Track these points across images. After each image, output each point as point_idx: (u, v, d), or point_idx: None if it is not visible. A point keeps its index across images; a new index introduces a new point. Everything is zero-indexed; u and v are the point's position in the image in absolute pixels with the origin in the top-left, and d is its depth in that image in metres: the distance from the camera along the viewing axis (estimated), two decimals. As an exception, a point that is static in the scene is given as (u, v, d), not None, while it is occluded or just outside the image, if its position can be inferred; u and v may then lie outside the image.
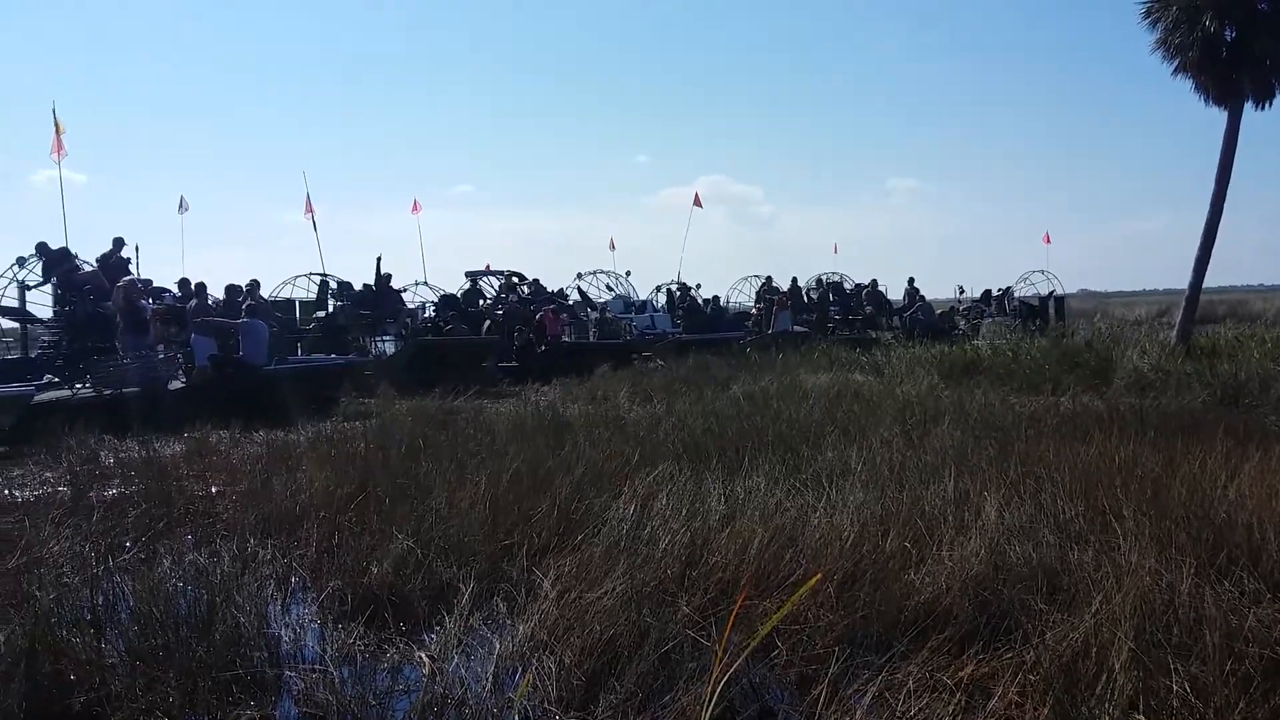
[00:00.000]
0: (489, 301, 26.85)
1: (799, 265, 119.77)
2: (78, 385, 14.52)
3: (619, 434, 9.54)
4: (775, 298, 28.95)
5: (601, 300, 31.06)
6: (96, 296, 16.69)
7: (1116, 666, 3.70)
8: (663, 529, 5.62)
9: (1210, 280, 20.42)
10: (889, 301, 33.15)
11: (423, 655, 4.45)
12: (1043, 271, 34.23)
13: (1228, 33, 18.53)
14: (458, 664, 4.30)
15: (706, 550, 5.37)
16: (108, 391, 13.82)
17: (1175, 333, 19.43)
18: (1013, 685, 3.88)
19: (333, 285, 24.47)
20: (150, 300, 16.78)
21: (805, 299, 32.40)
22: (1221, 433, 7.78)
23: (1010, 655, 4.14)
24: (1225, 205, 19.25)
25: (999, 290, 31.74)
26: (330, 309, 23.53)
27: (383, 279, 23.34)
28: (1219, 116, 19.30)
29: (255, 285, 19.93)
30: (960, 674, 4.02)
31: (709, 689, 2.63)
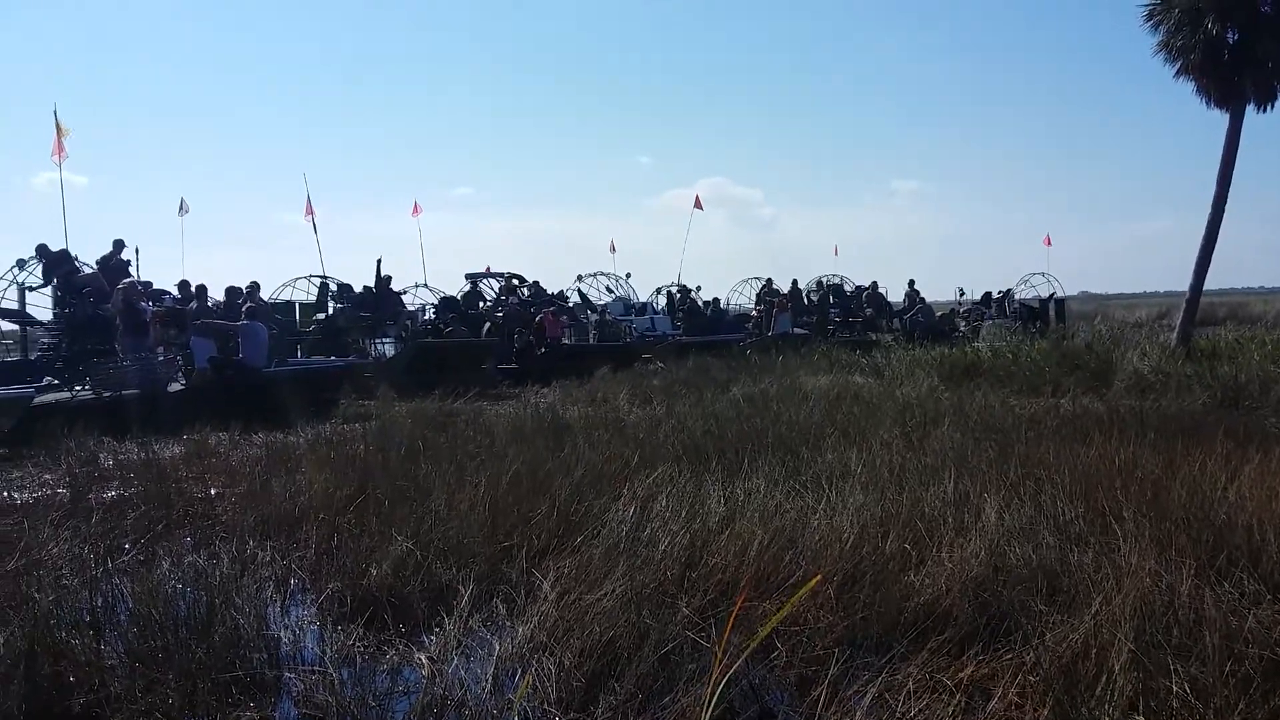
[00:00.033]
0: (489, 304, 26.87)
1: (799, 267, 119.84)
2: (77, 387, 14.53)
3: (619, 436, 9.54)
4: (775, 300, 28.96)
5: (602, 302, 31.07)
6: (96, 299, 16.70)
7: (1116, 668, 3.70)
8: (662, 531, 5.62)
9: (1211, 282, 20.45)
10: (889, 303, 33.15)
11: (422, 657, 4.44)
12: (1043, 274, 34.26)
13: (1230, 35, 18.55)
14: (457, 665, 4.30)
15: (706, 552, 5.37)
16: (107, 394, 13.81)
17: (1175, 335, 19.43)
18: (1013, 686, 3.87)
19: (333, 287, 24.49)
20: (150, 302, 16.79)
21: (805, 301, 32.40)
22: (1221, 435, 7.78)
23: (1010, 656, 4.13)
24: (1226, 207, 19.28)
25: (999, 292, 31.74)
26: (330, 311, 23.55)
27: (383, 281, 23.35)
28: (1220, 119, 19.35)
29: (255, 287, 19.96)
30: (960, 675, 4.02)
31: (709, 690, 2.63)
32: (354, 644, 4.74)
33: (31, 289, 18.06)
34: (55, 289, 17.54)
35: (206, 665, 4.19)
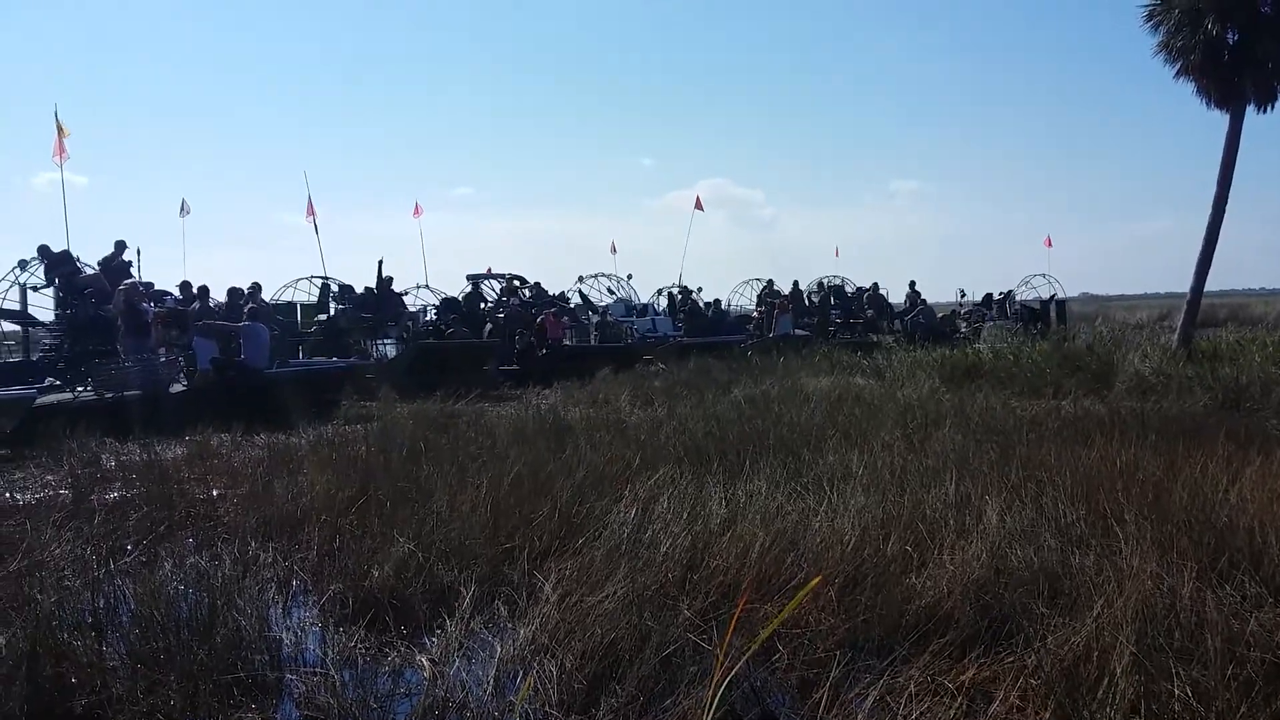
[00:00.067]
0: (490, 305, 26.87)
1: (800, 268, 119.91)
2: (79, 388, 14.56)
3: (620, 437, 9.54)
4: (776, 301, 28.95)
5: (603, 303, 31.06)
6: (98, 299, 16.71)
7: (1118, 671, 3.70)
8: (664, 532, 5.62)
9: (1211, 284, 20.46)
10: (890, 305, 33.13)
11: (424, 659, 4.45)
12: (1044, 275, 34.26)
13: (1230, 36, 18.55)
14: (459, 667, 4.30)
15: (707, 554, 5.37)
16: (109, 394, 13.83)
17: (1176, 336, 19.43)
18: (1014, 689, 3.87)
19: (334, 288, 24.50)
20: (151, 303, 16.80)
21: (806, 302, 32.41)
22: (1223, 437, 7.78)
23: (1012, 659, 4.13)
24: (1227, 208, 19.27)
25: (1000, 294, 31.73)
26: (331, 312, 23.56)
27: (384, 282, 23.36)
28: (1221, 119, 19.36)
29: (256, 288, 19.97)
30: (962, 678, 4.02)
31: (710, 693, 2.64)
32: (356, 646, 4.75)
33: (36, 288, 18.07)
34: (57, 290, 17.55)
35: (208, 667, 4.20)
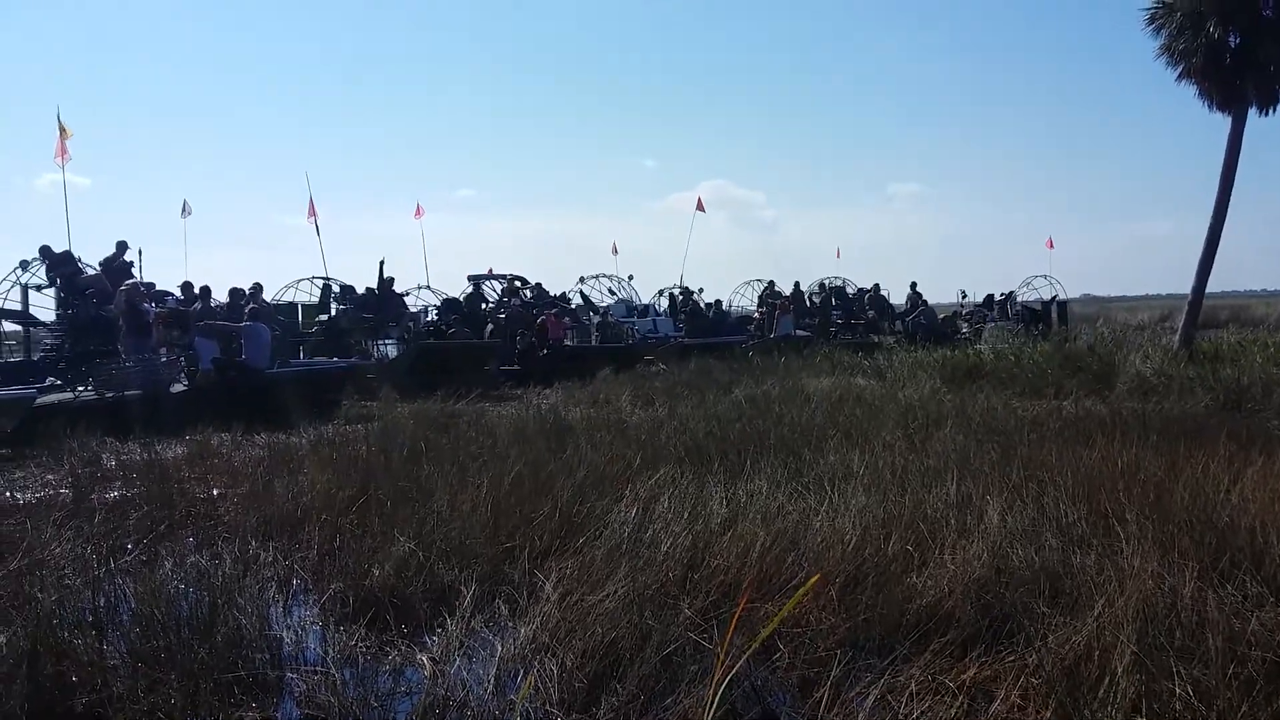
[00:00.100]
0: (491, 305, 26.88)
1: (801, 269, 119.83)
2: (80, 388, 14.56)
3: (621, 437, 9.54)
4: (778, 302, 28.96)
5: (604, 304, 31.07)
6: (99, 300, 16.72)
7: (1119, 670, 3.69)
8: (664, 532, 5.62)
9: (1213, 285, 20.48)
10: (891, 306, 33.14)
11: (424, 657, 4.44)
12: (1045, 276, 34.23)
13: (1231, 39, 18.56)
14: (459, 666, 4.30)
15: (708, 553, 5.37)
16: (110, 394, 13.84)
17: (1178, 337, 19.42)
18: (1015, 688, 3.87)
19: (335, 289, 24.51)
20: (153, 304, 16.81)
21: (807, 303, 32.42)
22: (1224, 437, 7.77)
23: (1013, 658, 4.13)
24: (1228, 210, 19.29)
25: (1001, 294, 31.73)
26: (333, 312, 23.56)
27: (385, 282, 23.37)
28: (1223, 122, 19.37)
29: (258, 289, 19.97)
30: (963, 677, 4.02)
31: (711, 691, 2.64)
32: (356, 644, 4.75)
33: (40, 288, 18.08)
34: (58, 290, 17.56)
35: (209, 665, 4.20)
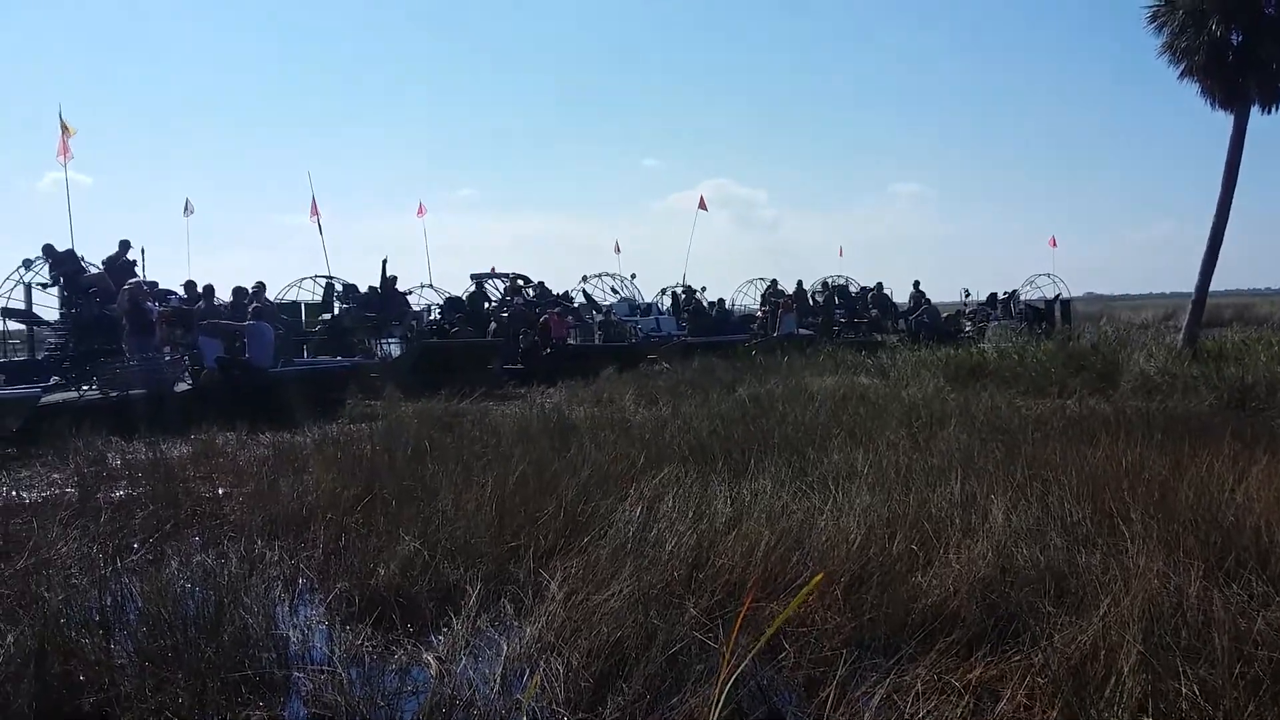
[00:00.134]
0: (494, 304, 26.88)
1: (804, 268, 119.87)
2: (84, 387, 14.56)
3: (625, 436, 9.54)
4: (781, 301, 28.93)
5: (607, 303, 31.08)
6: (102, 299, 16.73)
7: (1125, 669, 3.70)
8: (669, 531, 5.62)
9: (1217, 284, 20.46)
10: (894, 305, 33.15)
11: (430, 657, 4.45)
12: (1048, 274, 34.31)
13: (1234, 37, 18.54)
14: (465, 665, 4.30)
15: (713, 552, 5.37)
16: (114, 393, 13.86)
17: (1182, 336, 19.41)
18: (1021, 688, 3.87)
19: (338, 288, 24.50)
20: (156, 303, 16.82)
21: (810, 302, 32.42)
22: (1229, 436, 7.77)
23: (1019, 658, 4.13)
24: (1232, 209, 19.27)
25: (1005, 293, 31.77)
26: (336, 311, 23.57)
27: (388, 281, 23.38)
28: (1225, 120, 19.34)
29: (261, 288, 19.98)
30: (968, 676, 4.02)
31: (716, 691, 2.64)
32: (362, 644, 4.75)
33: (45, 287, 18.09)
34: (62, 289, 17.57)
35: (215, 664, 4.20)
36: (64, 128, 19.61)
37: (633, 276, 33.55)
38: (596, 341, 25.46)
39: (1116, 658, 3.82)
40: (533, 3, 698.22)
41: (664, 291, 34.31)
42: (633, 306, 30.93)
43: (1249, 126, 19.05)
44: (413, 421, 11.75)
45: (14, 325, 19.50)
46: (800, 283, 32.64)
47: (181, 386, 14.85)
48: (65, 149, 19.56)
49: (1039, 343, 19.85)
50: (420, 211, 31.42)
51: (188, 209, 25.35)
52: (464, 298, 26.69)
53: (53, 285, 17.86)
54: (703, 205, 36.29)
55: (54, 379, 15.48)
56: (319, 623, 5.07)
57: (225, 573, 5.08)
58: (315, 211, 25.22)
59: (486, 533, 6.03)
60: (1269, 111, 18.89)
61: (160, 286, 18.91)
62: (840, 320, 31.61)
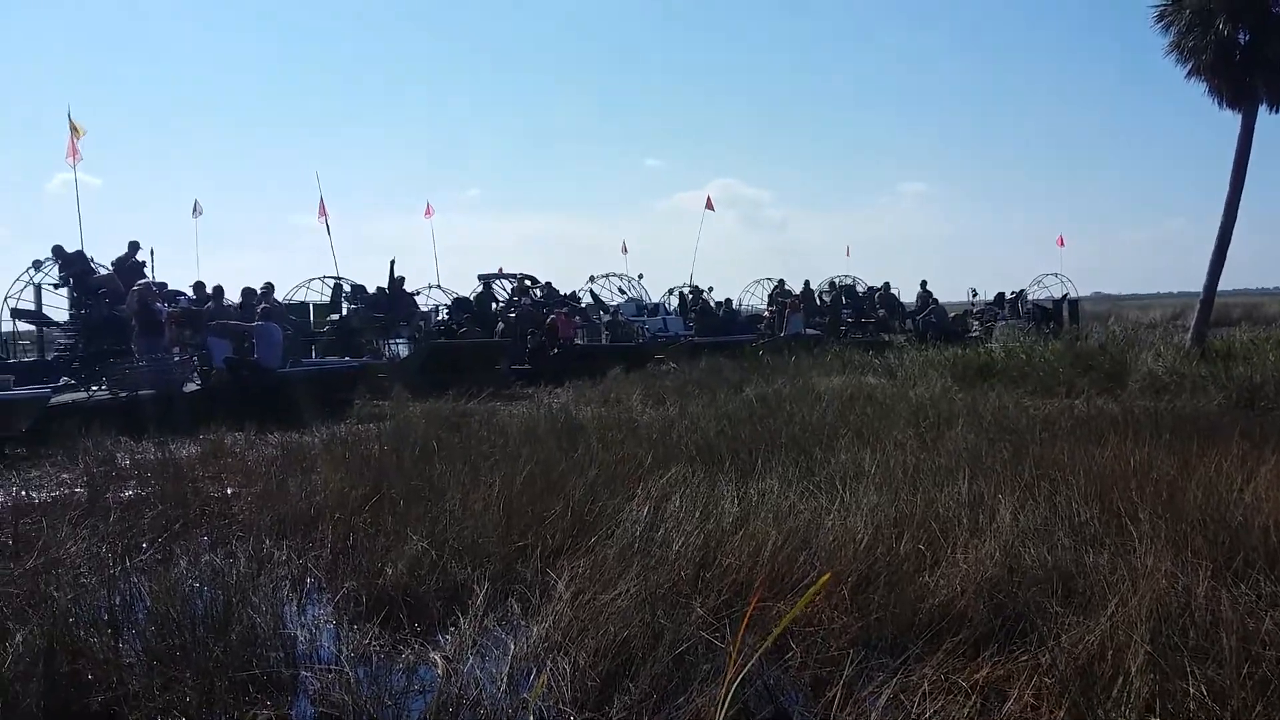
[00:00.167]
0: (502, 304, 26.89)
1: (811, 268, 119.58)
2: (94, 387, 14.61)
3: (632, 436, 9.55)
4: (788, 300, 28.94)
5: (614, 303, 31.06)
6: (112, 300, 16.79)
7: (1133, 669, 3.69)
8: (676, 531, 5.62)
9: (1225, 283, 20.38)
10: (902, 304, 33.10)
11: (437, 656, 4.45)
12: (1056, 274, 34.21)
13: (1241, 36, 18.49)
14: (472, 665, 4.31)
15: (720, 552, 5.37)
16: (123, 394, 13.90)
17: (1190, 335, 19.35)
18: (1028, 688, 3.86)
19: (346, 288, 24.54)
20: (165, 303, 16.87)
21: (818, 302, 32.37)
22: (1237, 435, 7.74)
23: (1026, 658, 4.12)
24: (1240, 208, 19.20)
25: (1012, 293, 31.70)
26: (344, 312, 23.61)
27: (396, 282, 23.38)
28: (1233, 119, 19.27)
29: (269, 288, 20.02)
30: (976, 676, 4.01)
31: (723, 690, 2.64)
32: (370, 643, 4.76)
33: (56, 286, 18.15)
34: (71, 290, 17.64)
35: (224, 663, 4.22)
36: (73, 129, 19.68)
37: (640, 277, 33.51)
38: (604, 342, 25.45)
39: (1124, 658, 3.81)
40: (540, 3, 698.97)
41: (671, 291, 34.27)
42: (640, 306, 30.89)
43: (1257, 125, 18.99)
44: (420, 421, 11.76)
45: (24, 326, 19.59)
46: (807, 283, 32.62)
47: (190, 387, 14.88)
48: (74, 150, 19.62)
49: (1047, 342, 19.81)
50: (428, 212, 31.44)
51: (196, 210, 25.36)
52: (472, 298, 26.68)
53: (62, 286, 17.95)
54: (710, 205, 36.29)
55: (63, 379, 15.53)
56: (327, 622, 5.09)
57: (233, 572, 5.09)
58: (323, 212, 25.26)
59: (494, 532, 6.04)
60: (1277, 110, 18.83)
61: (169, 287, 18.97)
62: (847, 320, 31.57)
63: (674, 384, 16.18)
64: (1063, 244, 37.74)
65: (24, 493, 8.80)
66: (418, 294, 26.10)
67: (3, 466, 10.67)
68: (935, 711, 3.72)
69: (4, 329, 19.50)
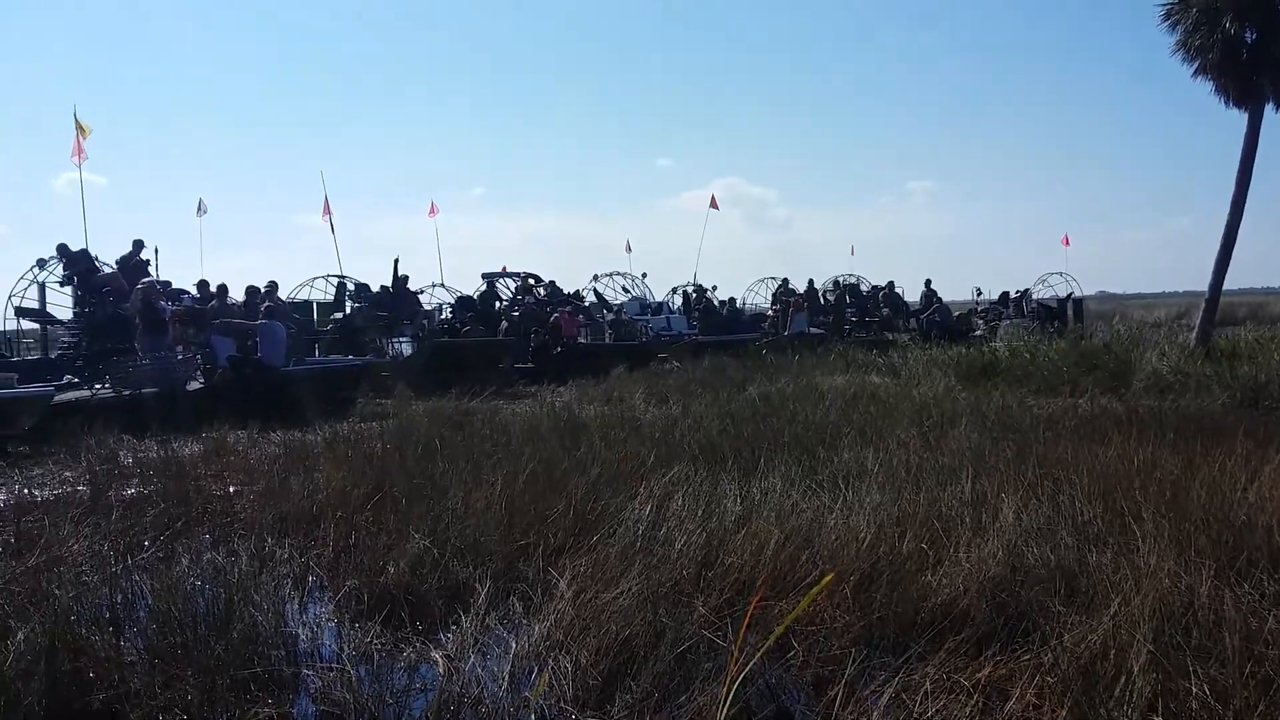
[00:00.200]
0: (505, 303, 26.90)
1: (815, 267, 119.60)
2: (97, 386, 14.63)
3: (635, 435, 9.54)
4: (791, 299, 28.92)
5: (617, 302, 31.07)
6: (116, 298, 16.81)
7: (1135, 669, 3.68)
8: (678, 530, 5.62)
9: (1230, 282, 20.33)
10: (906, 303, 33.06)
11: (439, 654, 4.45)
12: (1061, 273, 34.12)
13: (1248, 34, 18.43)
14: (474, 663, 4.31)
15: (722, 551, 5.36)
16: (126, 392, 13.91)
17: (1195, 335, 19.30)
18: (1031, 687, 3.86)
19: (350, 287, 24.58)
20: (169, 302, 16.89)
21: (821, 301, 32.33)
22: (1241, 435, 7.72)
23: (1028, 657, 4.12)
24: (1246, 207, 19.16)
25: (1016, 292, 31.65)
26: (347, 310, 23.63)
27: (400, 280, 23.41)
28: (1239, 118, 19.21)
29: (273, 287, 20.05)
30: (978, 675, 4.00)
31: (725, 689, 2.63)
32: (371, 641, 4.76)
33: (62, 283, 18.17)
34: (75, 288, 17.66)
35: (225, 662, 4.22)
36: (79, 127, 19.69)
37: (644, 275, 33.54)
38: (607, 340, 25.46)
39: (1127, 657, 3.80)
40: (546, 3, 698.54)
41: (675, 290, 34.30)
42: (643, 305, 30.91)
43: (1263, 124, 18.94)
44: (423, 420, 11.77)
45: (28, 324, 19.62)
46: (811, 281, 32.56)
47: (194, 385, 14.89)
48: (80, 149, 19.64)
49: (1051, 341, 19.77)
50: (432, 211, 31.48)
51: (201, 209, 25.42)
52: (475, 297, 26.70)
53: (66, 284, 17.96)
54: (714, 204, 36.31)
55: (67, 377, 15.55)
56: (328, 620, 5.09)
57: (235, 570, 5.10)
58: (328, 210, 25.28)
59: (496, 531, 6.04)
60: (1283, 109, 18.77)
61: (173, 286, 18.99)
62: (851, 319, 31.52)
63: (677, 383, 16.17)
64: (1068, 243, 37.53)
65: (26, 490, 8.80)
66: (421, 292, 26.16)
67: (6, 464, 10.69)
68: (937, 711, 3.72)
69: (8, 327, 19.56)
